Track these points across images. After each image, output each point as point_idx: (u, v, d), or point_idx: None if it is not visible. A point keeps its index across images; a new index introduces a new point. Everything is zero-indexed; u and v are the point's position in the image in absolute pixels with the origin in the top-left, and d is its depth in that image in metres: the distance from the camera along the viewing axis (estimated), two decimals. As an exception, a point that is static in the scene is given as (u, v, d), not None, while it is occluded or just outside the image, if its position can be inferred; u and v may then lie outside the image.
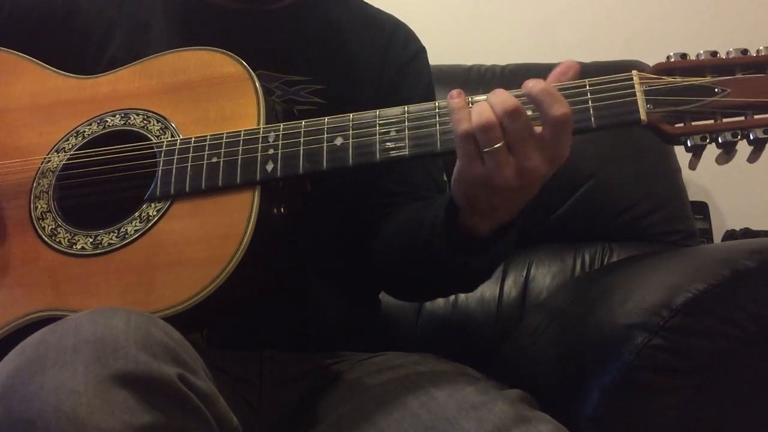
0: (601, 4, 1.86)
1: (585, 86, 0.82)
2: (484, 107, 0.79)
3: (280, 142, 0.88)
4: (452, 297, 1.45)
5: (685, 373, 0.87)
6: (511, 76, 1.59)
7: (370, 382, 0.93)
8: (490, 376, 0.94)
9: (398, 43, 1.14)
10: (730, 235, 1.74)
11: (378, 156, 0.85)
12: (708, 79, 0.81)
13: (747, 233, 1.72)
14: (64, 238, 0.90)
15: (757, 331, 0.87)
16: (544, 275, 1.44)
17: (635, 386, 0.88)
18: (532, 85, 0.78)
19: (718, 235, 1.76)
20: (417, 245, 0.92)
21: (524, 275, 1.45)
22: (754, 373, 0.90)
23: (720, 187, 1.80)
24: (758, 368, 0.90)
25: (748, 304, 0.87)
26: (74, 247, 0.89)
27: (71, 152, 0.95)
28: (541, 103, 0.77)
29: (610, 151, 1.46)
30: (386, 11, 1.19)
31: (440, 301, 1.45)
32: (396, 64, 1.12)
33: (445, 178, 1.14)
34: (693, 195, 1.62)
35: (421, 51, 1.17)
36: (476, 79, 1.60)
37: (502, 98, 0.78)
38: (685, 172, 1.55)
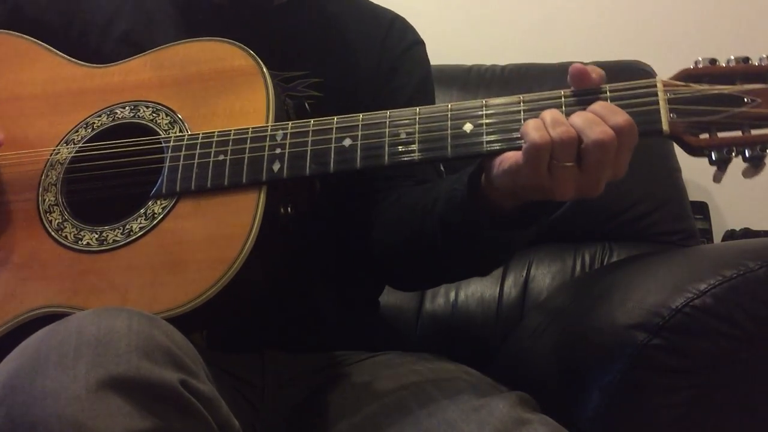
0: (601, 4, 1.86)
1: (605, 92, 0.79)
2: (563, 121, 0.75)
3: (288, 141, 0.87)
4: (452, 297, 1.45)
5: (685, 373, 0.87)
6: (511, 76, 1.59)
7: (370, 382, 0.93)
8: (490, 377, 0.94)
9: (395, 35, 1.14)
10: (730, 235, 1.74)
11: (386, 159, 0.83)
12: (737, 87, 0.76)
13: (747, 233, 1.72)
14: (70, 233, 0.90)
15: (757, 331, 0.87)
16: (544, 275, 1.44)
17: (635, 386, 0.88)
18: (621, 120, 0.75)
19: (718, 235, 1.76)
20: (430, 223, 0.91)
21: (524, 275, 1.45)
22: (754, 373, 0.90)
23: (720, 187, 1.78)
24: (758, 368, 0.90)
25: (748, 304, 0.87)
26: (80, 242, 0.89)
27: (80, 144, 0.95)
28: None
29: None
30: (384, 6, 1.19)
31: (440, 300, 1.45)
32: (392, 55, 1.12)
33: (443, 167, 1.13)
34: (693, 195, 1.62)
35: (418, 43, 1.16)
36: (476, 79, 1.60)
37: (595, 124, 0.75)
38: (685, 172, 1.55)
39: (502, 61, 1.65)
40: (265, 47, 1.04)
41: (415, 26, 1.19)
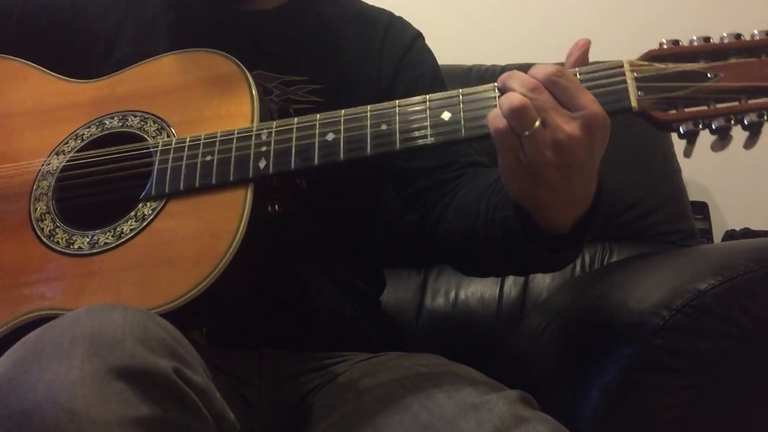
0: (601, 4, 1.86)
1: (576, 75, 0.81)
2: (510, 93, 0.78)
3: (273, 139, 0.88)
4: (452, 296, 1.45)
5: (685, 373, 0.87)
6: (511, 76, 1.59)
7: (369, 382, 0.93)
8: (490, 376, 0.94)
9: (394, 34, 1.14)
10: (730, 235, 1.75)
11: (369, 150, 0.85)
12: (701, 64, 0.80)
13: (747, 233, 1.72)
14: (62, 239, 0.91)
15: (757, 331, 0.87)
16: (544, 275, 1.44)
17: (635, 386, 0.88)
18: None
19: (718, 235, 1.76)
20: (491, 241, 0.90)
21: (524, 275, 1.45)
22: (754, 373, 0.90)
23: (720, 187, 1.80)
24: (758, 368, 0.90)
25: (748, 304, 0.87)
26: (72, 247, 0.90)
27: (70, 154, 0.96)
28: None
29: (610, 152, 1.46)
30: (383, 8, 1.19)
31: (440, 300, 1.46)
32: (395, 54, 1.12)
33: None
34: (693, 195, 1.62)
35: (419, 36, 1.17)
36: (476, 79, 1.60)
37: (521, 77, 0.79)
38: (685, 172, 1.55)
39: (502, 61, 1.65)
40: (265, 50, 1.05)
41: (415, 26, 1.19)
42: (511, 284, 1.45)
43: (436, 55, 1.19)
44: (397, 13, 1.20)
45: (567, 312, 1.12)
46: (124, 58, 1.05)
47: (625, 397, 0.88)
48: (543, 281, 1.44)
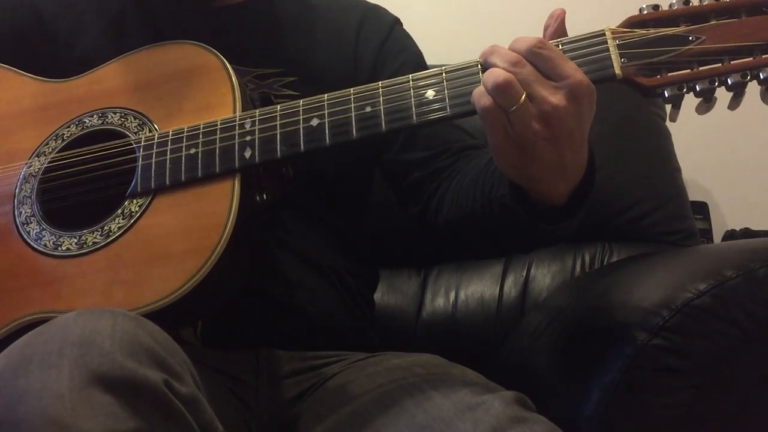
0: (600, 5, 1.86)
1: (558, 46, 0.81)
2: (493, 69, 0.78)
3: (257, 128, 0.88)
4: (452, 297, 1.45)
5: (685, 373, 0.87)
6: (510, 76, 1.58)
7: (367, 382, 0.93)
8: (490, 377, 0.94)
9: (371, 24, 1.13)
10: (730, 235, 1.74)
11: (355, 134, 0.85)
12: (682, 28, 0.80)
13: (747, 233, 1.72)
14: (49, 241, 0.90)
15: (757, 331, 0.87)
16: (544, 275, 1.44)
17: (635, 386, 0.88)
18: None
19: (718, 235, 1.76)
20: (491, 223, 0.91)
21: (524, 275, 1.45)
22: (754, 373, 0.90)
23: (720, 187, 1.80)
24: (758, 368, 0.90)
25: (748, 304, 0.87)
26: (59, 248, 0.89)
27: (51, 155, 0.96)
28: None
29: (610, 151, 1.46)
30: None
31: (440, 300, 1.45)
32: (373, 44, 1.11)
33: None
34: (693, 195, 1.62)
35: (396, 22, 1.17)
36: (476, 79, 1.60)
37: (502, 52, 0.79)
38: (685, 172, 1.55)
39: (502, 61, 1.64)
40: (237, 44, 1.05)
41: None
42: (511, 284, 1.45)
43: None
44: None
45: (567, 312, 1.12)
46: (88, 54, 1.04)
47: (625, 397, 0.88)
48: (543, 281, 1.44)
